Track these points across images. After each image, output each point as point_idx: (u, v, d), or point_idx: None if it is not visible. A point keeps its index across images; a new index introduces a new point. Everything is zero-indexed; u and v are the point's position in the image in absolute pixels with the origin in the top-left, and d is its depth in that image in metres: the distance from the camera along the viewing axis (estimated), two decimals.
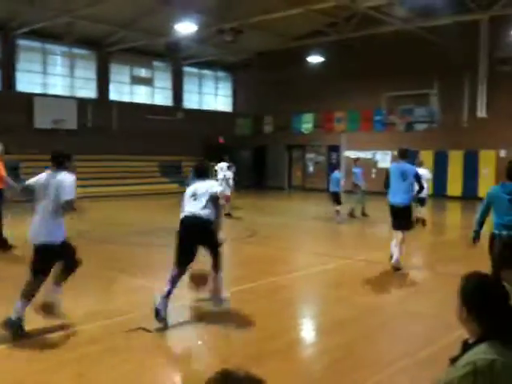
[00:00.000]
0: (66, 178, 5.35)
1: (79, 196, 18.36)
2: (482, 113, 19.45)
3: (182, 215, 5.89)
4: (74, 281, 7.36)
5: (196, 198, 5.87)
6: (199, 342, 5.19)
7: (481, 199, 14.78)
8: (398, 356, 4.71)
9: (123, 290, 7.04)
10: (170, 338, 5.33)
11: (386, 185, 8.34)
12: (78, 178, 19.80)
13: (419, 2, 17.60)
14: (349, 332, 5.44)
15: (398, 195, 8.21)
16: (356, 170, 15.96)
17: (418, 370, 4.38)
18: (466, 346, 2.32)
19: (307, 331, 5.86)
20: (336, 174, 15.40)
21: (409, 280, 8.06)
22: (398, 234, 8.36)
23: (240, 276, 7.94)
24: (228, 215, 14.37)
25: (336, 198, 14.91)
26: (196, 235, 5.75)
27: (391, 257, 8.34)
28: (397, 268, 8.19)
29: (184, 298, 6.49)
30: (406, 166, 8.23)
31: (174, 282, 5.62)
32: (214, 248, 5.91)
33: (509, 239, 5.11)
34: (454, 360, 2.43)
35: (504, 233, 5.18)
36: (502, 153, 20.62)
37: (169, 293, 5.53)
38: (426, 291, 7.32)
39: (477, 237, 5.56)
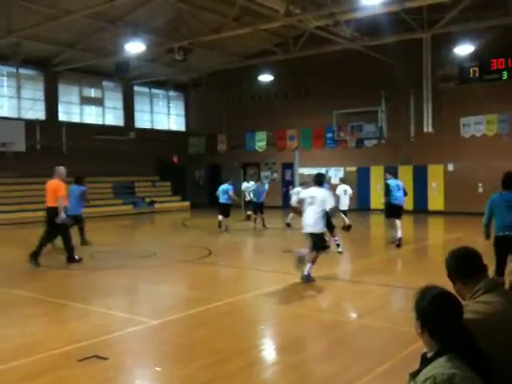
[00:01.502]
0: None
1: (27, 221, 17.78)
2: (428, 128, 20.06)
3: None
4: (24, 309, 7.13)
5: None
6: (157, 369, 5.06)
7: (430, 212, 15.00)
8: (358, 373, 4.72)
9: (73, 317, 6.82)
10: (126, 365, 5.18)
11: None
12: (28, 202, 19.27)
13: (364, 21, 18.08)
14: (308, 350, 5.43)
15: None
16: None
17: None
18: (425, 360, 2.34)
19: (265, 351, 5.81)
20: (224, 186, 16.59)
21: (366, 295, 8.14)
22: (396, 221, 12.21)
23: (196, 298, 7.84)
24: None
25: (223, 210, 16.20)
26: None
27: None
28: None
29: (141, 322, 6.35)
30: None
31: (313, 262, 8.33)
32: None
33: (508, 236, 6.54)
34: (413, 375, 2.44)
35: (507, 233, 6.55)
36: (450, 167, 21.30)
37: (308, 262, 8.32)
38: (383, 305, 7.40)
39: (488, 235, 6.93)
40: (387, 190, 12.64)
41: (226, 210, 16.19)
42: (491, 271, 2.87)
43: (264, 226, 16.81)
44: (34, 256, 10.20)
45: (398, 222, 12.53)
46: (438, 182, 21.59)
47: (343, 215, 15.44)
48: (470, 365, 2.18)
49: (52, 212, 10.26)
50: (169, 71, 25.03)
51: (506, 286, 3.25)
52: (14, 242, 15.10)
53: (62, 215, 10.11)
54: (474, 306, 2.45)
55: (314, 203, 8.30)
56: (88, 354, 5.17)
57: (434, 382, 2.09)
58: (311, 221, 8.45)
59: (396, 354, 5.06)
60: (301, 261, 8.44)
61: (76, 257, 10.65)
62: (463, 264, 2.81)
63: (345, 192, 15.50)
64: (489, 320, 2.50)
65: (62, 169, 10.78)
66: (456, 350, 2.22)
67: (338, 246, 11.77)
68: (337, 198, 13.99)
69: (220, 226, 16.23)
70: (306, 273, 8.43)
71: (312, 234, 8.38)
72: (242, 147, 26.51)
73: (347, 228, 15.40)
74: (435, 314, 2.30)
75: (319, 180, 8.76)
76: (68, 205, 11.09)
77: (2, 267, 10.57)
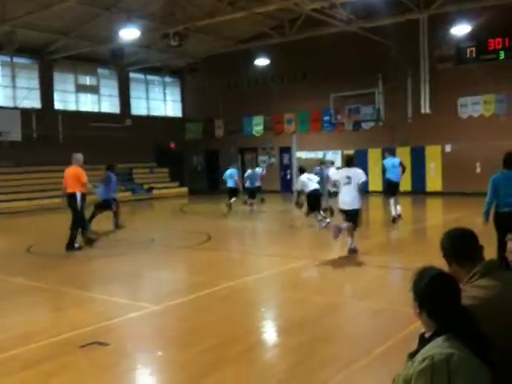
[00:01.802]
0: None
1: (24, 210, 17.79)
2: (425, 109, 20.00)
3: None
4: (23, 297, 7.17)
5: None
6: (159, 353, 5.10)
7: (428, 193, 15.04)
8: (358, 354, 4.76)
9: (74, 304, 6.85)
10: (127, 350, 5.22)
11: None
12: (25, 191, 19.31)
13: (360, 3, 17.94)
14: (309, 332, 5.46)
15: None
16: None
17: (378, 366, 4.44)
18: (423, 340, 2.35)
19: (267, 334, 5.86)
20: (230, 170, 17.13)
21: (365, 277, 8.18)
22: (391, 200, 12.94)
23: (197, 282, 7.88)
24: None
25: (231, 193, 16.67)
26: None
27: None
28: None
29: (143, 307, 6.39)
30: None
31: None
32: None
33: (509, 212, 6.90)
34: (412, 355, 2.46)
35: (506, 209, 6.93)
36: (448, 148, 21.28)
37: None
38: (382, 287, 7.44)
39: (488, 217, 7.15)
40: (383, 170, 13.40)
41: (234, 193, 16.84)
42: (487, 252, 2.88)
43: (251, 208, 17.14)
44: (70, 245, 10.53)
45: (391, 199, 13.23)
46: (435, 162, 21.57)
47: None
48: (468, 345, 2.19)
49: (72, 197, 10.59)
50: (164, 57, 24.86)
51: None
52: (12, 231, 15.13)
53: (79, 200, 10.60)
54: (470, 291, 2.45)
55: (351, 182, 9.19)
56: (89, 340, 5.21)
57: (432, 361, 2.11)
58: (350, 198, 9.23)
59: (395, 335, 5.09)
60: (337, 232, 9.39)
61: (76, 245, 10.70)
62: (459, 245, 2.81)
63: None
64: (486, 305, 2.50)
65: (79, 155, 11.25)
66: (454, 330, 2.23)
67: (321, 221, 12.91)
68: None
69: (230, 208, 16.60)
70: (352, 246, 9.41)
71: (351, 211, 9.25)
72: (240, 132, 26.43)
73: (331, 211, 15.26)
74: (433, 294, 2.31)
75: (350, 161, 9.73)
76: (101, 190, 12.84)
77: (1, 256, 10.59)
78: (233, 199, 16.73)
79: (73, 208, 10.70)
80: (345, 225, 9.38)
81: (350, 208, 9.24)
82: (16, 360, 4.85)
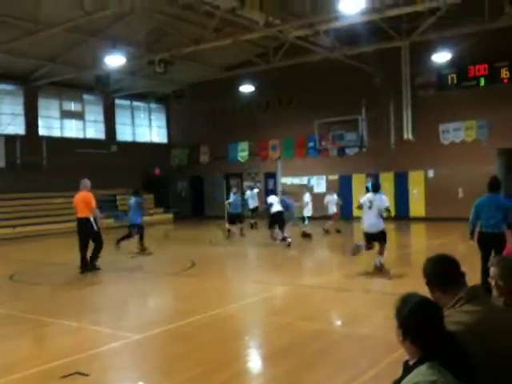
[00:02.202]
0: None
1: (8, 237, 17.59)
2: (408, 136, 20.25)
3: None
4: (2, 328, 7.01)
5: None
6: (139, 383, 5.00)
7: (412, 219, 15.17)
8: (342, 381, 4.71)
9: (56, 333, 6.72)
10: (108, 381, 5.11)
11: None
12: (8, 218, 19.07)
13: (343, 30, 18.25)
14: (293, 359, 5.40)
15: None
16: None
17: None
18: (407, 368, 2.34)
19: (251, 362, 5.78)
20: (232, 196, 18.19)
21: (350, 302, 8.15)
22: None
23: (180, 310, 7.78)
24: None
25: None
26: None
27: None
28: None
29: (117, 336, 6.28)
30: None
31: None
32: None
33: (492, 233, 7.46)
34: (396, 383, 2.44)
35: (489, 230, 7.47)
36: (430, 173, 21.51)
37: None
38: (367, 313, 7.41)
39: (473, 235, 7.80)
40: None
41: (238, 218, 17.93)
42: (472, 278, 2.91)
43: (242, 234, 17.86)
44: (91, 267, 11.11)
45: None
46: (419, 188, 21.77)
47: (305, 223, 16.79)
48: (452, 371, 2.18)
49: (84, 222, 11.03)
50: (150, 83, 24.97)
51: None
52: None
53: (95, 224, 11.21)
54: (456, 317, 2.45)
55: (372, 207, 9.99)
56: (70, 370, 5.09)
57: None
58: (370, 222, 10.07)
59: (380, 362, 5.06)
60: (356, 250, 10.60)
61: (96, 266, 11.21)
62: (442, 271, 2.82)
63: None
64: (471, 330, 2.50)
65: (86, 181, 11.76)
66: (437, 358, 2.22)
67: (284, 239, 14.45)
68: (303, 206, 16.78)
69: (229, 233, 17.51)
70: (379, 263, 10.10)
71: (374, 233, 10.10)
72: (225, 158, 26.50)
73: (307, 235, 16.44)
74: (417, 321, 2.30)
75: (376, 187, 10.64)
76: (128, 215, 13.84)
77: None
78: (238, 224, 17.64)
79: (82, 232, 11.14)
80: (362, 243, 10.38)
81: (374, 231, 10.04)
82: None
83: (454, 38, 18.14)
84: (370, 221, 10.04)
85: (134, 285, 10.03)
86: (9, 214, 20.90)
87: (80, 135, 25.55)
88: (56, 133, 24.54)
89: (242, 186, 26.45)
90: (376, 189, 10.48)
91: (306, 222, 16.67)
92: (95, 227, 11.18)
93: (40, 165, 22.84)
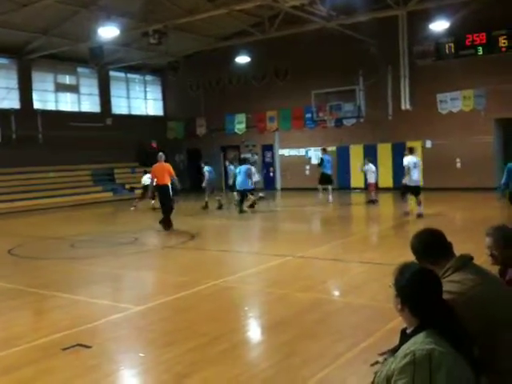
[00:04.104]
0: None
1: (5, 212, 17.60)
2: (406, 106, 20.13)
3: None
4: (3, 301, 7.06)
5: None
6: (141, 354, 5.07)
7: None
8: (340, 350, 4.78)
9: (56, 307, 6.77)
10: (110, 352, 5.17)
11: None
12: (5, 193, 19.13)
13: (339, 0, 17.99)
14: (292, 329, 5.47)
15: None
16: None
17: (361, 362, 4.45)
18: (405, 336, 2.36)
19: (251, 332, 5.85)
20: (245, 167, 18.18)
21: (348, 273, 8.22)
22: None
23: (180, 282, 7.84)
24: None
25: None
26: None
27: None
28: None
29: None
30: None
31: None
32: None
33: None
34: (393, 351, 2.47)
35: None
36: (428, 143, 21.46)
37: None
38: (364, 283, 7.48)
39: (503, 193, 10.50)
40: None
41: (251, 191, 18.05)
42: (468, 248, 2.95)
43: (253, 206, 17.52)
44: (165, 222, 12.99)
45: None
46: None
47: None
48: (449, 340, 2.20)
49: (166, 187, 13.06)
50: (145, 55, 24.67)
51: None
52: None
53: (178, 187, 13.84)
54: (445, 286, 2.48)
55: (417, 166, 13.45)
56: (71, 343, 5.15)
57: (414, 357, 2.12)
58: (418, 177, 13.53)
59: (377, 331, 5.13)
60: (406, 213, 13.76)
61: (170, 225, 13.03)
62: (428, 245, 2.89)
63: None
64: (461, 299, 2.53)
65: (162, 155, 13.46)
66: (435, 326, 2.24)
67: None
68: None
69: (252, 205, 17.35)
70: (419, 212, 13.32)
71: (418, 186, 13.71)
72: (222, 130, 26.37)
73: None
74: (415, 289, 2.32)
75: (412, 150, 14.12)
76: (238, 181, 16.32)
77: None
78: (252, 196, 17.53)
79: (164, 196, 13.09)
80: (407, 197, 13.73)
81: (418, 185, 13.57)
82: (14, 357, 4.79)
83: (452, 6, 17.94)
84: (415, 177, 13.36)
85: (133, 258, 10.08)
86: (7, 189, 20.89)
87: (75, 108, 25.36)
88: (51, 106, 24.34)
89: (239, 158, 26.43)
90: (412, 151, 13.94)
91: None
92: (171, 192, 13.32)
93: (36, 139, 22.72)
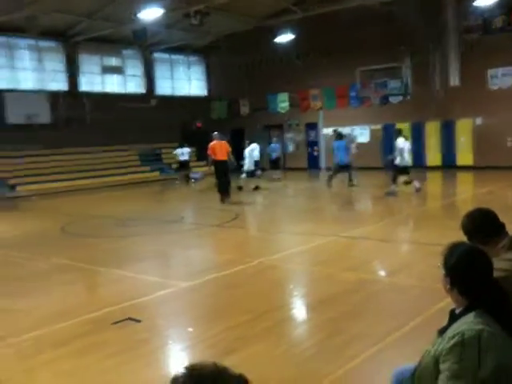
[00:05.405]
0: None
1: (59, 190, 18.06)
2: (454, 82, 19.52)
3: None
4: (56, 276, 7.33)
5: None
6: (189, 329, 5.18)
7: (459, 167, 14.89)
8: (386, 330, 4.74)
9: (106, 282, 7.00)
10: (159, 327, 5.31)
11: None
12: (55, 172, 19.75)
13: None
14: (337, 309, 5.47)
15: None
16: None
17: (407, 342, 4.42)
18: (454, 316, 2.33)
19: (295, 310, 5.89)
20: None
21: (393, 253, 8.14)
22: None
23: (225, 260, 7.94)
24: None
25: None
26: None
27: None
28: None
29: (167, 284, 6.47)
30: None
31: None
32: None
33: None
34: (442, 331, 2.43)
35: None
36: (478, 121, 20.80)
37: None
38: (411, 263, 7.39)
39: None
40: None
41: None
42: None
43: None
44: (222, 194, 14.31)
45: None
46: (466, 136, 21.13)
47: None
48: (499, 321, 2.16)
49: (225, 163, 14.41)
50: (186, 36, 24.72)
51: None
52: (45, 213, 15.42)
53: (233, 163, 14.91)
54: (497, 264, 2.43)
55: (408, 147, 14.51)
56: (121, 317, 5.31)
57: (463, 337, 2.08)
58: (408, 158, 14.33)
59: (425, 311, 5.06)
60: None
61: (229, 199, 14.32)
62: (482, 224, 2.84)
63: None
64: None
65: (218, 134, 14.91)
66: (485, 306, 2.20)
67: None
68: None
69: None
70: (418, 186, 13.99)
71: (408, 166, 14.45)
72: (265, 109, 26.28)
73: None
74: (465, 269, 2.28)
75: (401, 131, 14.84)
76: (339, 156, 16.39)
77: (35, 236, 10.83)
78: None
79: (223, 171, 14.43)
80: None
81: (409, 164, 14.36)
82: (48, 338, 4.95)
83: None
84: (407, 158, 14.15)
85: (179, 236, 10.26)
86: (57, 168, 21.53)
87: (121, 90, 25.75)
88: (97, 88, 24.80)
89: (283, 136, 26.35)
90: (401, 133, 14.52)
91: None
92: (229, 168, 14.58)
93: (83, 120, 23.24)
